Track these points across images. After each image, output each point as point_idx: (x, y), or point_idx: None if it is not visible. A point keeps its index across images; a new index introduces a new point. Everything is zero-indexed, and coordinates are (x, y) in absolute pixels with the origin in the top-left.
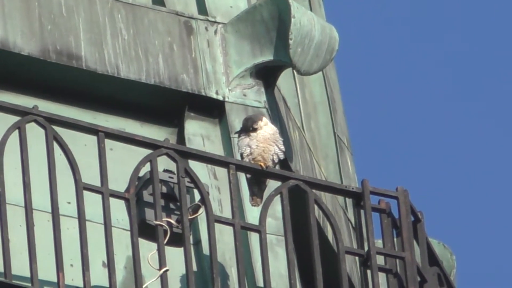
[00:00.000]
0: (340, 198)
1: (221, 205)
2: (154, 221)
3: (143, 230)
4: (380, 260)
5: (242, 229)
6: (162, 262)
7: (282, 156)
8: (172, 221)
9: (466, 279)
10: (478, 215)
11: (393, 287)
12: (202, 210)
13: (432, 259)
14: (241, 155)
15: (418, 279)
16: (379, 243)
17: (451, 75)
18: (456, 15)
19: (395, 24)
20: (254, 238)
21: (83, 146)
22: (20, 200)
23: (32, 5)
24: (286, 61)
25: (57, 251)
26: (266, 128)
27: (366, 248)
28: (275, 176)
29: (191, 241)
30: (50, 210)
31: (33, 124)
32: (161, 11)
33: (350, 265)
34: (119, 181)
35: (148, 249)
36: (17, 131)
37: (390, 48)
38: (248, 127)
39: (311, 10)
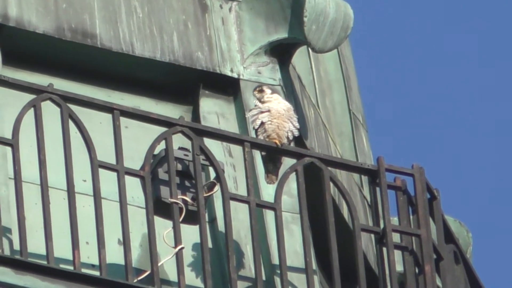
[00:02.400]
0: (356, 176)
1: (236, 183)
2: (170, 199)
3: (159, 208)
4: (395, 237)
5: (257, 207)
6: (177, 240)
7: (297, 134)
8: (188, 199)
9: (482, 256)
10: (494, 192)
11: (409, 265)
12: (217, 188)
13: (448, 236)
14: (255, 131)
15: (434, 256)
16: (394, 220)
17: (469, 50)
18: None
19: (409, 2)
20: (269, 215)
21: (98, 124)
22: (35, 178)
23: None
24: (301, 38)
25: (73, 229)
26: (280, 103)
27: (381, 226)
28: (290, 154)
29: (206, 219)
30: (65, 188)
31: (48, 102)
32: None
33: (366, 243)
34: (134, 159)
35: (163, 227)
36: (32, 109)
37: (405, 24)
38: (256, 94)
39: None
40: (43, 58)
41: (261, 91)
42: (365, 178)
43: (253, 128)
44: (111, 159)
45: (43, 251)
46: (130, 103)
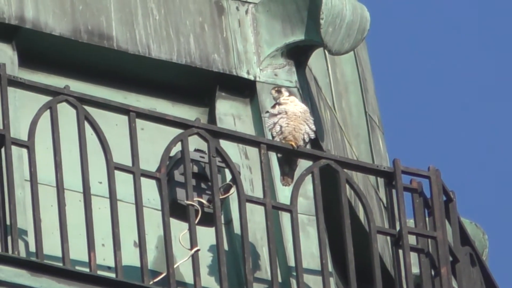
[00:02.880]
0: (372, 178)
1: (252, 185)
2: (185, 201)
3: (174, 209)
4: (411, 239)
5: (273, 209)
6: (193, 241)
7: (313, 136)
8: (203, 201)
9: (498, 258)
10: (510, 194)
11: (425, 267)
12: (233, 190)
13: (464, 238)
14: (271, 133)
15: (450, 258)
16: (410, 222)
17: (484, 51)
18: None
19: (426, 3)
20: (285, 217)
21: (114, 126)
22: (51, 180)
23: None
24: (317, 40)
25: (89, 231)
26: (296, 106)
27: (397, 228)
28: (306, 156)
29: (222, 221)
30: (81, 190)
31: (64, 104)
32: None
33: (382, 245)
34: (150, 161)
35: (179, 228)
36: (48, 111)
37: (421, 26)
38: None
39: None
40: (59, 60)
41: (279, 91)
42: (381, 180)
43: (269, 131)
44: (127, 161)
45: (59, 253)
46: (146, 105)
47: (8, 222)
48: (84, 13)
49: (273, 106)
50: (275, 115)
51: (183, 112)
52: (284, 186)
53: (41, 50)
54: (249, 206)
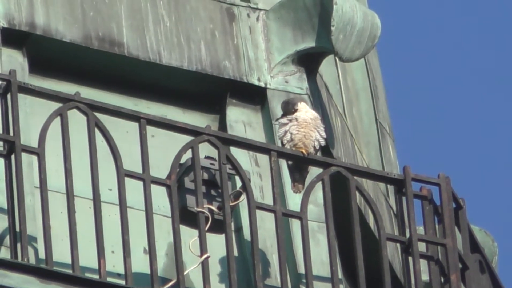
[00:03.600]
0: (382, 185)
1: (263, 192)
2: (196, 208)
3: (184, 216)
4: (421, 247)
5: (283, 216)
6: (203, 248)
7: (323, 143)
8: (214, 208)
9: (508, 266)
10: None
11: (435, 274)
12: (243, 197)
13: (474, 246)
14: (281, 141)
15: (460, 266)
16: (420, 230)
17: (494, 60)
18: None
19: (437, 10)
20: (295, 224)
21: (124, 132)
22: (61, 187)
23: None
24: (328, 47)
25: (98, 238)
26: (307, 113)
27: (407, 235)
28: (317, 163)
29: (232, 228)
30: (91, 197)
31: (75, 110)
32: None
33: (392, 252)
34: (160, 167)
35: (189, 235)
36: (59, 117)
37: (432, 34)
38: (290, 109)
39: None
40: (70, 66)
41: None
42: (391, 188)
43: (279, 139)
44: (137, 168)
45: (68, 260)
46: (157, 112)
47: (17, 229)
48: (95, 20)
49: (283, 116)
50: (286, 124)
51: (193, 119)
52: (295, 193)
53: (51, 56)
54: (259, 213)
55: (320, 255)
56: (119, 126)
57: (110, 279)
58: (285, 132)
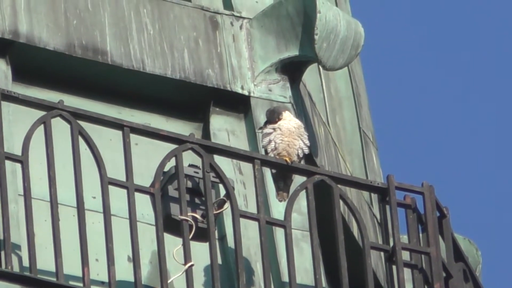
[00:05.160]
0: (366, 193)
1: (246, 200)
2: (179, 216)
3: (168, 225)
4: (405, 255)
5: (267, 224)
6: (187, 257)
7: (307, 151)
8: (197, 216)
9: (492, 274)
10: (503, 210)
11: (418, 283)
12: (227, 205)
13: (458, 254)
14: (265, 150)
15: (444, 274)
16: (404, 238)
17: (479, 68)
18: (480, 9)
19: (420, 19)
20: (279, 233)
21: (108, 140)
22: (45, 195)
23: (58, 0)
24: (312, 56)
25: (82, 246)
26: (290, 121)
27: (391, 244)
28: (300, 171)
29: (216, 236)
30: (75, 205)
31: (58, 119)
32: (186, 6)
33: (375, 261)
34: (144, 176)
35: (173, 244)
36: (42, 126)
37: (415, 43)
38: (274, 118)
39: (336, 5)
40: (53, 74)
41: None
42: (375, 196)
43: (263, 148)
44: (121, 176)
45: (52, 268)
46: (140, 120)
47: (1, 237)
48: (78, 28)
49: (265, 125)
50: (270, 133)
51: (177, 127)
52: (280, 201)
53: (35, 64)
54: (243, 221)
55: (304, 263)
56: (103, 134)
57: (94, 287)
58: (270, 141)
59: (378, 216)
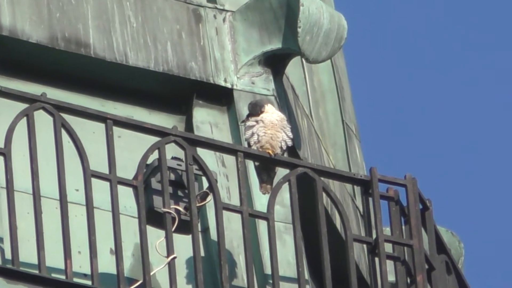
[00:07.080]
0: (348, 186)
1: (229, 193)
2: (162, 209)
3: (151, 217)
4: (388, 247)
5: (250, 217)
6: (170, 249)
7: (290, 143)
8: (180, 209)
9: (474, 267)
10: (486, 202)
11: (401, 275)
12: (210, 198)
13: (440, 247)
14: (248, 143)
15: (426, 266)
16: (387, 230)
17: (459, 60)
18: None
19: (404, 12)
20: (262, 225)
21: (91, 133)
22: (28, 188)
23: None
24: (295, 49)
25: (65, 238)
26: (273, 114)
27: (374, 236)
28: (283, 164)
29: (199, 229)
30: (58, 197)
31: (41, 111)
32: None
33: (358, 253)
34: (127, 168)
35: (156, 236)
36: (25, 118)
37: (398, 36)
38: (257, 111)
39: None
40: (36, 67)
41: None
42: (357, 189)
43: (246, 140)
44: (104, 169)
45: (35, 261)
46: (123, 113)
47: None
48: (61, 21)
49: (247, 118)
50: (253, 126)
51: (160, 120)
52: (263, 194)
53: (18, 57)
54: (226, 214)
55: (287, 255)
56: (86, 127)
57: (77, 280)
58: (252, 134)
59: (361, 209)
